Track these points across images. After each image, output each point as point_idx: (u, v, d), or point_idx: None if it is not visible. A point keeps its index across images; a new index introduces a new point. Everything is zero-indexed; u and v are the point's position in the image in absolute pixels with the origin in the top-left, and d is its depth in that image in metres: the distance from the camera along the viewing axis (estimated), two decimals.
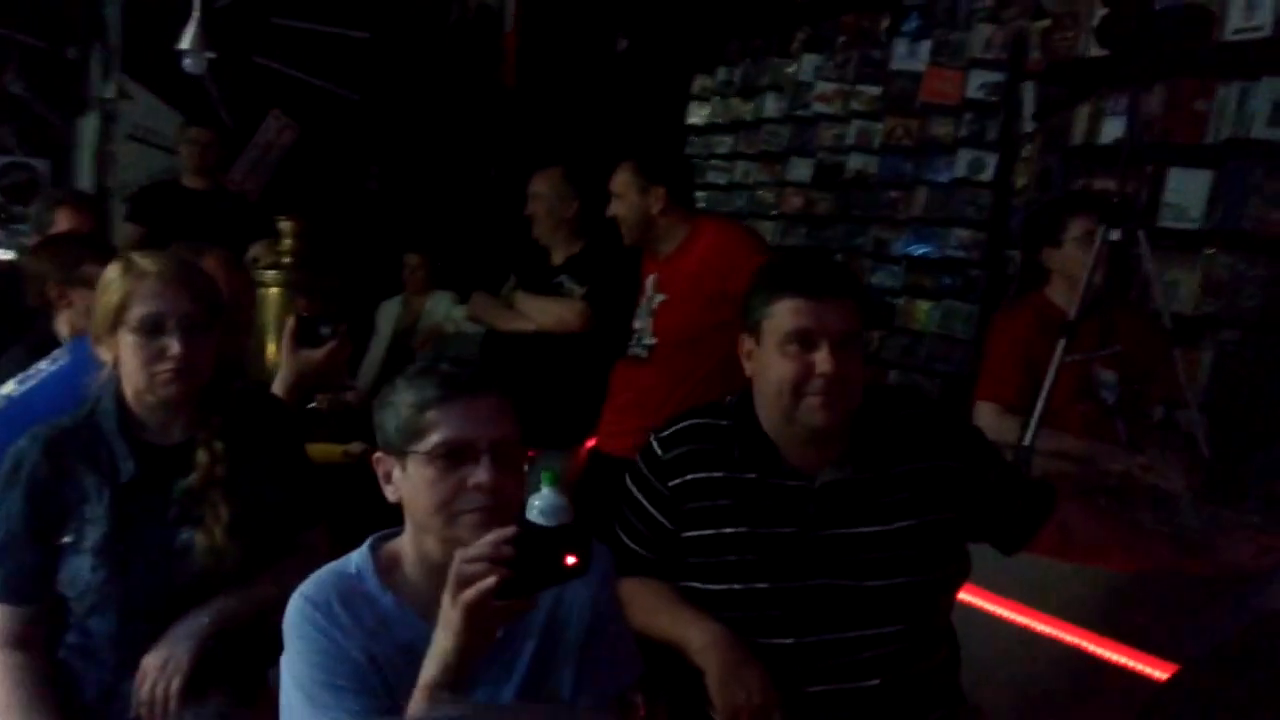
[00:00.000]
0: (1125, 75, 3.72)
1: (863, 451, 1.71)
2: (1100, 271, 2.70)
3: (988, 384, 2.86)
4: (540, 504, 1.59)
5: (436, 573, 1.35)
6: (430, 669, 1.20)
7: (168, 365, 1.70)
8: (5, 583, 1.70)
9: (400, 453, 1.35)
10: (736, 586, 1.70)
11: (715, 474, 1.73)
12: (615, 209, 3.01)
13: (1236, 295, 3.51)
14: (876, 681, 1.67)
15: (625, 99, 5.14)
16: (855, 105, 4.45)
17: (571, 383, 3.29)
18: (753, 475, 1.71)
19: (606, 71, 5.20)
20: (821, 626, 1.68)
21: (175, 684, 1.66)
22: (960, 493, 1.73)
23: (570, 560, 1.19)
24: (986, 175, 3.99)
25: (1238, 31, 3.34)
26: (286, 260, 3.00)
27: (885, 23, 4.34)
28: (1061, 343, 2.62)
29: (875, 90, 4.37)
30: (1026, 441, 2.48)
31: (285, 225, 3.04)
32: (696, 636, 1.68)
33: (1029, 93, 3.92)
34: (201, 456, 1.76)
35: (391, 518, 1.74)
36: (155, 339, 1.70)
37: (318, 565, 1.88)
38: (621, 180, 2.99)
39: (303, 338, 2.23)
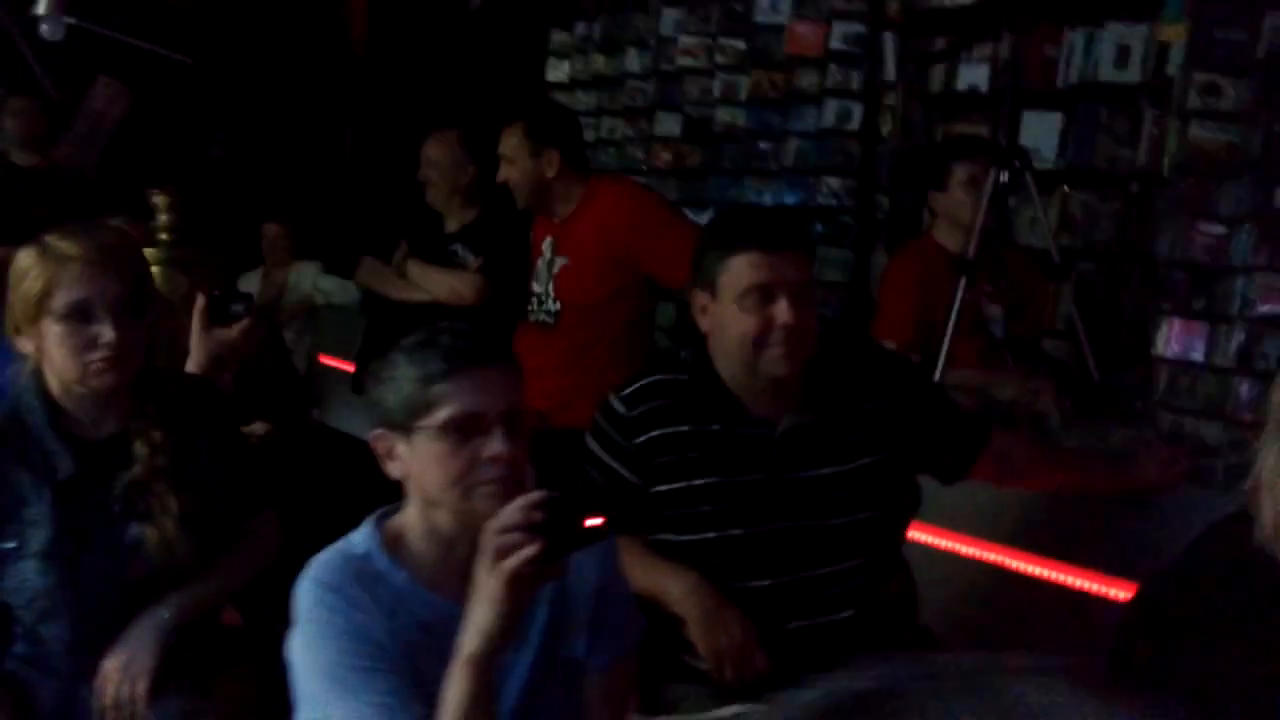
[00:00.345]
0: (986, 25, 3.90)
1: (819, 396, 1.76)
2: (989, 212, 2.84)
3: (885, 324, 2.99)
4: None
5: (446, 546, 1.33)
6: (472, 642, 1.18)
7: (100, 354, 1.59)
8: None
9: (405, 429, 1.31)
10: (710, 535, 1.73)
11: (681, 428, 1.75)
12: (506, 174, 2.92)
13: (1090, 229, 3.76)
14: (849, 613, 1.74)
15: (481, 57, 5.04)
16: (720, 59, 4.49)
17: None
18: (717, 426, 1.74)
19: (460, 30, 5.08)
20: (794, 566, 1.73)
21: (141, 686, 1.58)
22: (909, 428, 1.81)
23: (594, 522, 1.19)
24: (853, 124, 4.10)
25: None
26: (163, 236, 2.82)
27: None
28: (962, 281, 2.75)
29: (739, 44, 4.41)
30: (936, 377, 2.61)
31: (159, 199, 2.86)
32: (674, 586, 1.71)
33: (889, 43, 4.05)
34: (140, 448, 1.66)
35: (320, 498, 1.69)
36: (85, 327, 1.59)
37: (269, 551, 1.82)
38: (511, 144, 2.90)
39: (214, 316, 2.12)
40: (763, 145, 4.38)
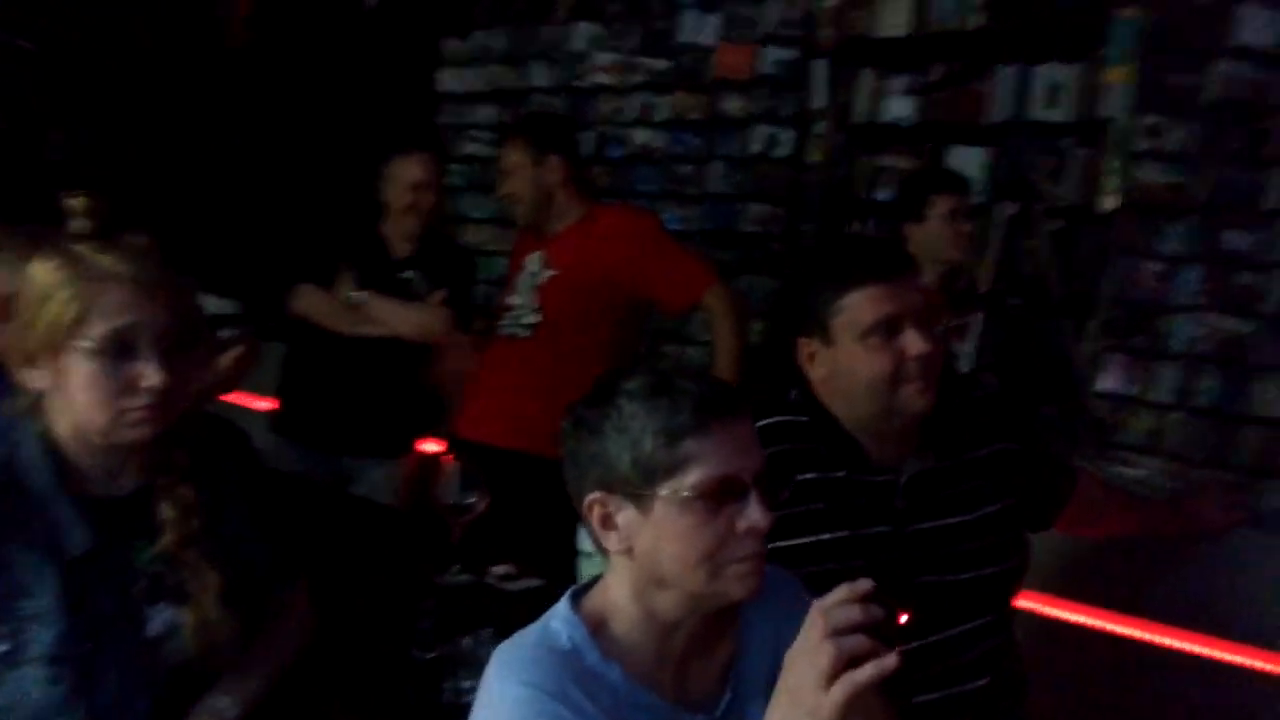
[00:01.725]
0: (917, 56, 3.90)
1: (939, 439, 1.62)
2: (970, 246, 2.81)
3: None
4: None
5: (663, 635, 1.11)
6: None
7: (141, 400, 1.26)
8: None
9: (638, 494, 1.07)
10: None
11: (807, 475, 1.57)
12: (510, 187, 2.75)
13: (1015, 264, 3.80)
14: (985, 681, 1.59)
15: (371, 63, 4.70)
16: (637, 79, 4.33)
17: (396, 385, 2.94)
18: (841, 474, 1.57)
19: (350, 32, 4.72)
20: (927, 628, 1.57)
21: None
22: (1020, 475, 1.69)
23: (904, 618, 0.97)
24: (781, 151, 4.02)
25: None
26: None
27: None
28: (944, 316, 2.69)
29: (660, 64, 4.27)
30: None
31: (77, 203, 2.42)
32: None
33: (820, 70, 3.99)
34: (168, 509, 1.34)
35: None
36: (124, 365, 1.26)
37: (307, 628, 1.52)
38: (513, 156, 2.74)
39: None
40: (683, 169, 4.25)
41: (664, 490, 1.06)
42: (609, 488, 1.10)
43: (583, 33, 4.48)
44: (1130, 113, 3.32)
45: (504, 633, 1.54)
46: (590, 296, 2.66)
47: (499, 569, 1.98)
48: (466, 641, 1.49)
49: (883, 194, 4.05)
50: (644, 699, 1.08)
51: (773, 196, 4.05)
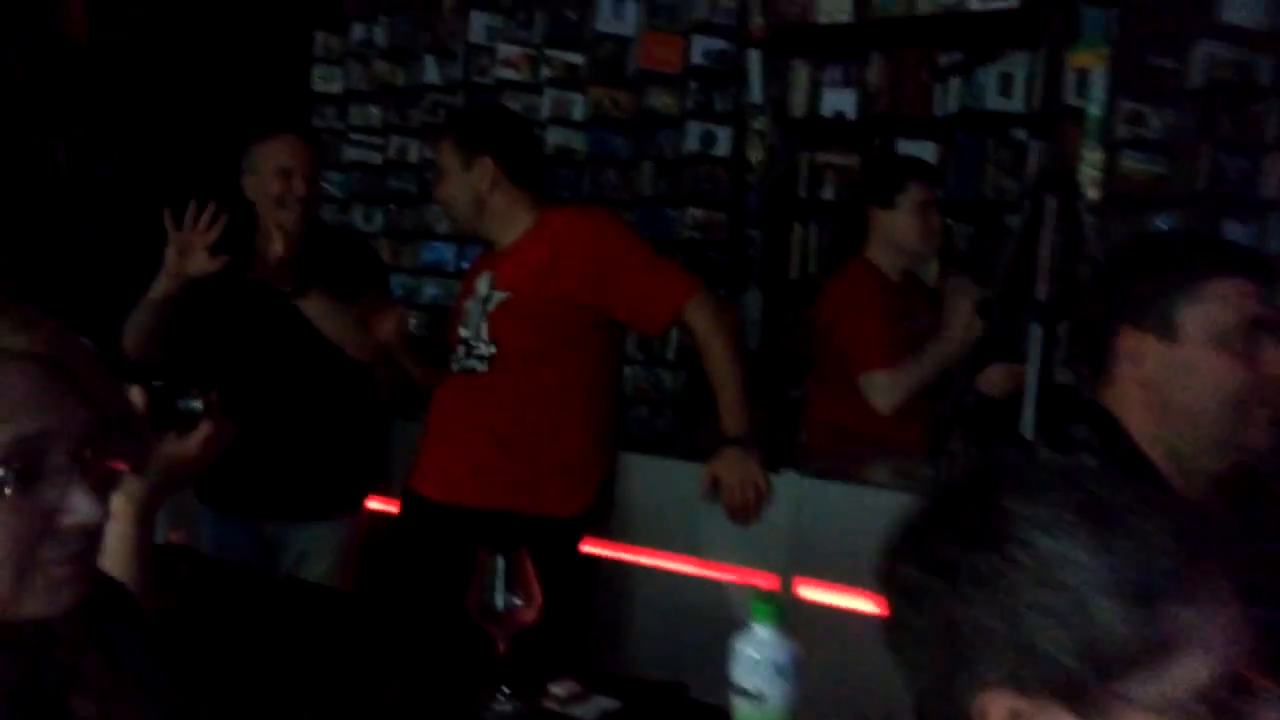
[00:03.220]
0: (855, 45, 3.62)
1: (1242, 497, 1.32)
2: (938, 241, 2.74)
3: (867, 354, 2.59)
4: None
5: None
6: None
7: (67, 549, 0.77)
8: None
9: (1087, 698, 0.66)
10: None
11: None
12: (442, 191, 2.32)
13: (976, 263, 3.57)
14: None
15: (236, 59, 4.09)
16: (548, 73, 3.90)
17: (341, 434, 2.47)
18: None
19: (209, 27, 4.09)
20: None
21: None
22: None
23: None
24: (721, 150, 3.68)
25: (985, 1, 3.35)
26: None
27: None
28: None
29: (573, 56, 3.85)
30: None
31: None
32: None
33: (754, 61, 3.67)
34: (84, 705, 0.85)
35: None
36: (33, 489, 0.76)
37: None
38: (443, 157, 2.30)
39: (158, 420, 1.29)
40: (609, 173, 3.84)
41: (1136, 691, 0.65)
42: (1024, 684, 0.67)
43: (478, 24, 4.01)
44: (1106, 100, 3.12)
45: None
46: (547, 321, 2.23)
47: (558, 688, 1.53)
48: None
49: (827, 194, 3.78)
50: None
51: (712, 199, 3.70)
